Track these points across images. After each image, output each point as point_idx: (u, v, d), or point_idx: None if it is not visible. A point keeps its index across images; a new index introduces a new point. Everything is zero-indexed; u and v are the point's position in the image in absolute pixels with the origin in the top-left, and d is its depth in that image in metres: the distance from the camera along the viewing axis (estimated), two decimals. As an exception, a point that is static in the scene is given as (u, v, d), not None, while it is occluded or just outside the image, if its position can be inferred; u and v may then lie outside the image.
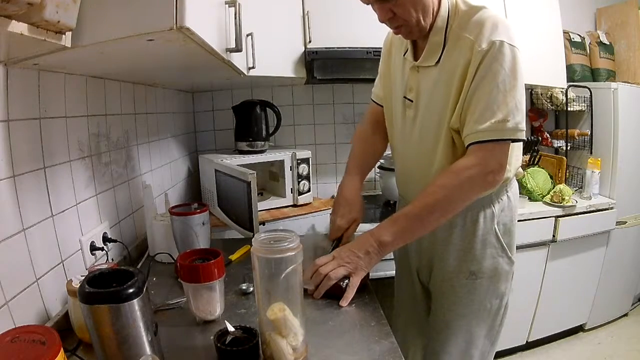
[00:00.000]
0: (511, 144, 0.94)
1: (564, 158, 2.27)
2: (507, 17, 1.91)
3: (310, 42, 1.85)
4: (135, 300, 0.64)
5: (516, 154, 1.05)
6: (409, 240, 1.01)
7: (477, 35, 0.90)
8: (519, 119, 0.90)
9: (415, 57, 1.03)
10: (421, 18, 0.93)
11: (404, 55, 1.08)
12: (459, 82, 0.93)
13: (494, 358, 1.17)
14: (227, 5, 1.03)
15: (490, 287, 1.05)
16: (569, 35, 2.43)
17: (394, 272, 1.33)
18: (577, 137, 2.32)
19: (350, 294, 0.93)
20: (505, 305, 1.10)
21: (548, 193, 2.09)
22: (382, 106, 1.21)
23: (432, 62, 0.98)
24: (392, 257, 1.32)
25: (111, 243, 1.15)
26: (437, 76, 0.98)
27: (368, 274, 1.05)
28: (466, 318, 1.07)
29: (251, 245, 0.74)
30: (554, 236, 2.00)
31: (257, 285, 0.74)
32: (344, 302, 0.92)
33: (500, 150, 0.92)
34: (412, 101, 1.05)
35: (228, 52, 1.03)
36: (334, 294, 0.98)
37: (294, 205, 1.98)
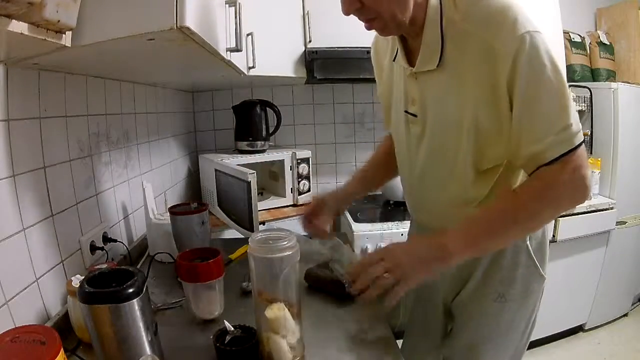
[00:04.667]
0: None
1: (564, 158, 2.27)
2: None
3: (310, 41, 1.86)
4: (135, 300, 0.64)
5: None
6: (481, 253, 0.84)
7: (495, 32, 0.73)
8: (577, 117, 0.75)
9: (410, 62, 0.87)
10: (397, 12, 0.77)
11: (393, 59, 0.93)
12: (477, 91, 0.78)
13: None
14: (227, 5, 1.03)
15: (521, 309, 0.94)
16: (569, 35, 2.43)
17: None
18: (577, 137, 2.32)
19: (392, 300, 0.77)
20: (533, 321, 0.98)
21: (548, 193, 2.09)
22: None
23: (431, 65, 0.82)
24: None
25: (111, 243, 1.15)
26: (444, 82, 0.82)
27: None
28: (493, 340, 0.96)
29: (250, 245, 0.74)
30: (553, 236, 2.00)
31: (254, 285, 0.74)
32: (388, 302, 0.78)
33: (583, 155, 0.75)
34: (415, 116, 0.89)
35: (228, 52, 1.04)
36: (334, 291, 0.98)
37: (294, 205, 1.98)
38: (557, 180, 0.76)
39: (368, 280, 0.77)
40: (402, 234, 1.75)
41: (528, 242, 0.90)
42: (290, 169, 1.95)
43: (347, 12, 0.79)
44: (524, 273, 0.91)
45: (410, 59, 0.87)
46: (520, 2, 0.76)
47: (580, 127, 0.76)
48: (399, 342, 1.17)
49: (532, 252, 0.91)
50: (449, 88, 0.81)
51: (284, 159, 1.94)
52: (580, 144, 0.75)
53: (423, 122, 0.89)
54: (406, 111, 0.92)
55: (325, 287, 1.00)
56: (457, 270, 0.96)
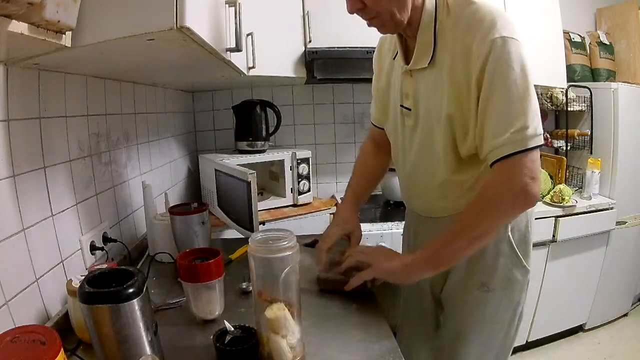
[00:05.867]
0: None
1: (564, 158, 2.27)
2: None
3: (310, 41, 1.85)
4: (135, 300, 0.64)
5: None
6: (440, 267, 0.91)
7: (474, 37, 0.81)
8: (537, 123, 0.80)
9: (407, 60, 0.95)
10: (396, 11, 0.85)
11: (393, 58, 1.02)
12: (455, 90, 0.85)
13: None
14: (227, 5, 1.03)
15: (504, 299, 0.98)
16: (569, 35, 2.43)
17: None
18: (577, 137, 2.32)
19: (355, 282, 0.94)
20: (520, 314, 1.02)
21: (548, 193, 2.09)
22: (381, 129, 1.16)
23: (424, 63, 0.90)
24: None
25: (111, 243, 1.15)
26: (433, 79, 0.90)
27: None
28: (478, 330, 1.00)
29: (250, 245, 0.74)
30: (554, 236, 2.00)
31: (254, 285, 0.74)
32: (348, 287, 0.95)
33: (529, 161, 0.80)
34: (409, 109, 0.97)
35: (228, 52, 1.03)
36: (337, 288, 0.98)
37: (294, 205, 1.98)
38: (494, 187, 0.84)
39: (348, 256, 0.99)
40: (402, 234, 1.75)
41: (510, 233, 0.96)
42: (290, 169, 1.95)
43: (351, 11, 0.87)
44: (506, 262, 0.97)
45: (407, 58, 0.95)
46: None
47: (540, 133, 0.81)
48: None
49: (514, 243, 0.97)
50: (436, 84, 0.89)
51: (284, 159, 1.94)
52: (534, 148, 0.80)
53: (416, 115, 0.97)
54: (402, 105, 0.99)
55: (341, 286, 0.98)
56: None
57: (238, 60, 1.20)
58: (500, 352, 1.04)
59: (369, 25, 0.90)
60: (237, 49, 1.05)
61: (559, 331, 2.25)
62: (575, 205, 2.02)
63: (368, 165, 1.24)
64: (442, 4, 0.88)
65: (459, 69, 0.84)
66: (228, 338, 0.74)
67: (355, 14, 0.88)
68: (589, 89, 2.24)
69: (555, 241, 2.00)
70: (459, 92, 0.85)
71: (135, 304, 0.64)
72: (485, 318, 1.00)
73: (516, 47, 0.79)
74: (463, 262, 0.98)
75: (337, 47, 1.85)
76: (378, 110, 1.17)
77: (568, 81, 2.26)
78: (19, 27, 0.55)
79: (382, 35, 1.10)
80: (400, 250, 1.31)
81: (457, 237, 0.87)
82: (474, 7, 0.83)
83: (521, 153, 0.79)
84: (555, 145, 2.38)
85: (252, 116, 1.99)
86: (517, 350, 2.16)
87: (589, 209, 2.06)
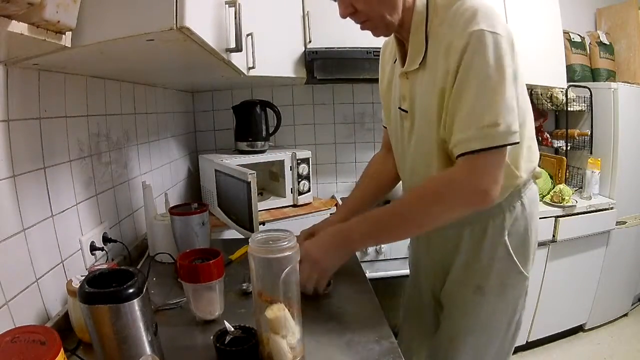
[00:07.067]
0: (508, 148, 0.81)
1: (564, 158, 2.27)
2: (507, 17, 1.91)
3: (310, 42, 1.86)
4: (135, 300, 0.64)
5: (527, 153, 0.93)
6: (377, 244, 0.92)
7: (454, 31, 0.80)
8: (511, 120, 0.77)
9: (403, 63, 0.95)
10: (386, 14, 0.85)
11: (394, 62, 1.02)
12: (441, 88, 0.84)
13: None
14: (227, 5, 1.03)
15: (499, 304, 0.97)
16: (569, 35, 2.43)
17: (398, 274, 1.29)
18: (577, 137, 2.32)
19: (321, 289, 0.93)
20: (517, 322, 1.00)
21: (548, 193, 2.09)
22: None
23: (415, 64, 0.89)
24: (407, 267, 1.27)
25: (111, 243, 1.15)
26: (425, 81, 0.89)
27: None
28: (473, 333, 0.99)
29: (250, 245, 0.73)
30: (554, 236, 2.00)
31: (254, 285, 0.74)
32: (320, 291, 0.93)
33: (494, 160, 0.78)
34: (406, 111, 0.97)
35: (228, 52, 1.04)
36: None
37: (294, 205, 1.98)
38: (455, 179, 0.82)
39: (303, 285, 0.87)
40: (402, 234, 1.75)
41: (506, 238, 0.94)
42: (290, 169, 1.95)
43: (343, 16, 0.89)
44: (501, 267, 0.94)
45: (404, 60, 0.95)
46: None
47: (514, 130, 0.78)
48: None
49: (510, 248, 0.94)
50: (427, 85, 0.88)
51: (284, 159, 1.94)
52: (503, 146, 0.78)
53: (412, 117, 0.96)
54: (399, 107, 0.99)
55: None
56: (439, 259, 1.03)
57: (238, 60, 1.20)
58: (497, 358, 1.02)
59: (362, 28, 0.90)
60: (237, 49, 1.05)
61: (559, 331, 2.25)
62: (575, 205, 2.02)
63: (373, 175, 1.22)
64: (433, 5, 0.87)
65: (441, 66, 0.83)
66: (228, 338, 0.74)
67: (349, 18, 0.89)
68: (589, 89, 2.24)
69: (555, 241, 2.01)
70: (442, 90, 0.84)
71: (135, 304, 0.64)
72: (479, 322, 0.98)
73: (495, 40, 0.77)
74: (461, 262, 0.98)
75: (337, 47, 1.85)
76: (385, 114, 1.16)
77: (568, 81, 2.26)
78: (19, 27, 0.55)
79: (385, 39, 1.11)
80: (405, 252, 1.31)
81: (403, 220, 0.86)
82: (458, 3, 0.82)
83: (488, 150, 0.77)
84: (555, 145, 2.38)
85: (252, 116, 1.99)
86: (517, 350, 2.15)
87: (589, 209, 2.06)
